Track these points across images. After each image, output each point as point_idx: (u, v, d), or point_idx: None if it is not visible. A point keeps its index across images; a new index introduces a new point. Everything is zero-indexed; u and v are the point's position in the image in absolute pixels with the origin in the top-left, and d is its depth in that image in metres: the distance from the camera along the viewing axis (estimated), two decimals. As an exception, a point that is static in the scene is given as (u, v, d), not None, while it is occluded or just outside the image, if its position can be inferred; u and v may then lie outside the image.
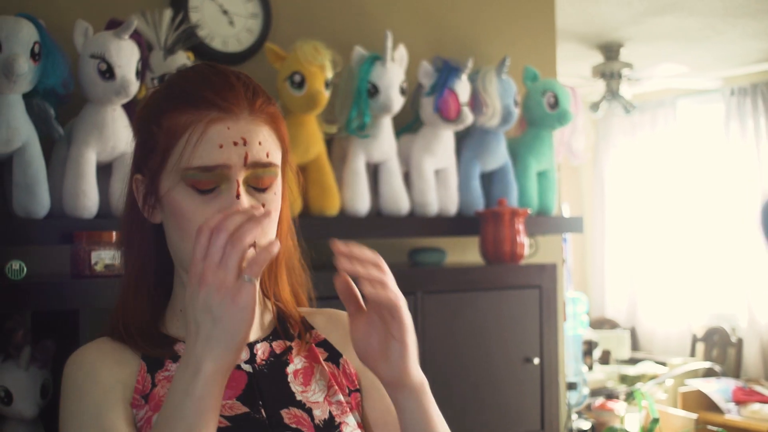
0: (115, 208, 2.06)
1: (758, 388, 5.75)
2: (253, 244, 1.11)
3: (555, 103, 2.81)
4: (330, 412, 1.24)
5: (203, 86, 1.15)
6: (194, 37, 2.31)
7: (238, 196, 1.12)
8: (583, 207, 7.81)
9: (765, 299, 6.42)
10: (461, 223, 2.68)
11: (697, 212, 7.01)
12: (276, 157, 1.17)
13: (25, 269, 1.85)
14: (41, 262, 2.06)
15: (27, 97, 1.94)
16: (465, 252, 2.98)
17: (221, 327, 1.02)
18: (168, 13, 2.24)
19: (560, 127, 2.86)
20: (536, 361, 2.63)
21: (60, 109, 2.05)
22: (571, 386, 4.35)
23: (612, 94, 5.81)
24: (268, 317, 1.31)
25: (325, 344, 1.32)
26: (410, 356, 1.14)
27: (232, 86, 1.15)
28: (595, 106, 5.89)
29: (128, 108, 2.09)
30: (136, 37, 2.05)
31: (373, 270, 1.09)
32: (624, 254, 7.55)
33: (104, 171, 2.08)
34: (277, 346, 1.28)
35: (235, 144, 1.12)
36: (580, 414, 4.72)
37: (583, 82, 6.02)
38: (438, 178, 2.67)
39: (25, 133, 1.92)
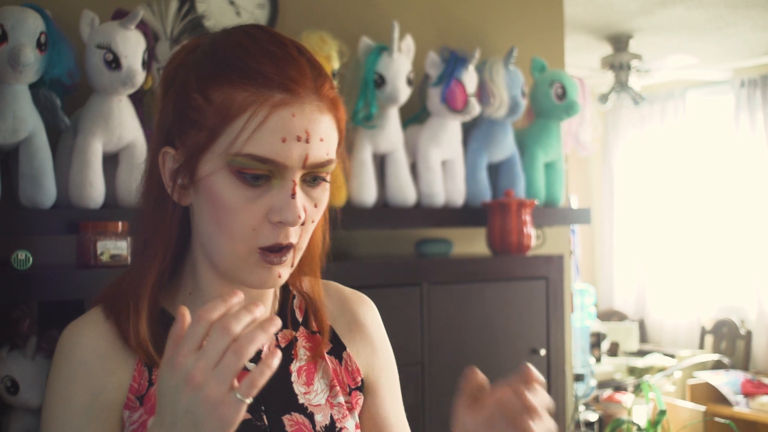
0: (121, 199, 2.06)
1: (767, 381, 5.74)
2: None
3: (563, 94, 2.80)
4: (331, 416, 1.19)
5: (264, 59, 1.02)
6: (201, 28, 2.31)
7: (293, 195, 1.02)
8: (592, 199, 7.80)
9: (774, 291, 6.41)
10: (468, 214, 2.68)
11: (706, 204, 6.99)
12: (334, 152, 1.06)
13: (31, 259, 1.85)
14: (47, 252, 2.07)
15: (33, 87, 1.94)
16: (472, 243, 2.97)
17: None
18: (174, 4, 2.24)
19: (568, 118, 2.85)
20: (543, 352, 2.62)
21: (66, 99, 2.05)
22: (579, 378, 4.35)
23: (621, 85, 5.79)
24: (273, 298, 1.23)
25: (331, 333, 1.25)
26: None
27: (297, 62, 1.03)
28: (604, 98, 5.87)
29: (134, 98, 2.09)
30: (143, 27, 2.04)
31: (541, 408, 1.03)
32: (633, 246, 7.54)
33: (110, 161, 2.08)
34: (283, 337, 1.21)
35: (298, 139, 1.00)
36: (587, 406, 4.71)
37: (592, 74, 6.01)
38: (445, 169, 2.67)
39: (31, 123, 1.92)
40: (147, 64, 2.05)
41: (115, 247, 1.92)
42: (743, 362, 6.44)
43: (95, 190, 1.99)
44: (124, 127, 2.04)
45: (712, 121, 7.08)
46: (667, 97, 7.25)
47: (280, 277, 1.07)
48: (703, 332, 6.82)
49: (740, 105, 6.67)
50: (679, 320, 7.13)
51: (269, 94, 1.00)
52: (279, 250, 1.05)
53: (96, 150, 2.01)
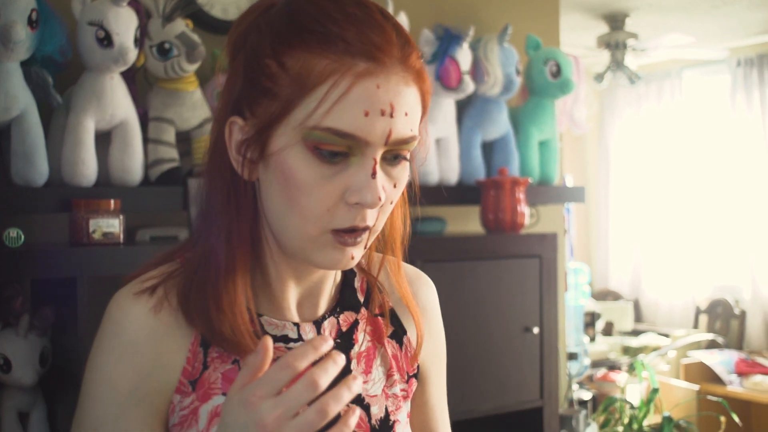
0: (114, 177, 2.06)
1: (761, 360, 5.76)
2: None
3: (557, 72, 2.79)
4: (386, 408, 1.12)
5: (346, 24, 0.92)
6: (193, 5, 2.29)
7: (374, 174, 0.93)
8: (588, 178, 7.79)
9: (769, 271, 6.42)
10: (462, 192, 2.68)
11: (702, 184, 7.00)
12: (417, 128, 0.97)
13: (23, 237, 1.85)
14: (40, 230, 2.06)
15: (25, 65, 1.93)
16: (466, 221, 2.97)
17: None
18: (166, -19, 2.22)
19: (562, 96, 2.85)
20: (536, 330, 2.63)
21: (58, 77, 2.04)
22: (572, 356, 4.36)
23: (617, 64, 5.78)
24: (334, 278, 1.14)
25: (391, 315, 1.17)
26: None
27: (382, 28, 0.93)
28: (599, 77, 5.86)
29: (127, 76, 2.08)
30: (134, 4, 2.03)
31: None
32: (628, 225, 7.55)
33: (103, 139, 2.07)
34: (344, 320, 1.12)
35: (382, 113, 0.91)
36: (581, 384, 4.73)
37: (587, 53, 5.99)
38: (439, 147, 2.67)
39: (23, 101, 1.91)
40: (139, 42, 2.04)
41: (108, 224, 1.92)
42: (737, 342, 6.47)
43: (87, 168, 1.99)
44: (116, 104, 2.03)
45: (709, 101, 7.07)
46: (663, 76, 7.23)
47: (353, 258, 0.99)
48: (698, 312, 6.84)
49: (737, 84, 6.65)
50: (673, 300, 7.15)
51: (352, 63, 0.91)
52: (354, 231, 0.97)
53: (88, 128, 2.00)
